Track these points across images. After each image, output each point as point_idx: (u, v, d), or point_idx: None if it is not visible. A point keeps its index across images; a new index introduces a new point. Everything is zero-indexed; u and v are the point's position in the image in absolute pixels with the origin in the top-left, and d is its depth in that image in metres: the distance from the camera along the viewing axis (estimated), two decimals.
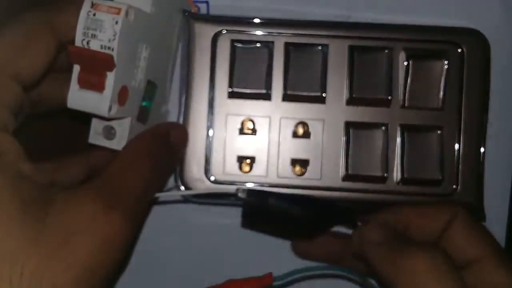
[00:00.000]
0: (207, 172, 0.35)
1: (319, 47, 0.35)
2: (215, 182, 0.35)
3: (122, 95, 0.29)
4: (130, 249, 0.28)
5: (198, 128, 0.35)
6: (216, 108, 0.35)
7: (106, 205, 0.26)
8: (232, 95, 0.35)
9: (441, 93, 0.35)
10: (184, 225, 0.38)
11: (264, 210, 0.31)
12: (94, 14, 0.27)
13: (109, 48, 0.28)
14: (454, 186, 0.35)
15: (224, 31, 0.35)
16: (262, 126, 0.35)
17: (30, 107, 0.30)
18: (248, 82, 0.35)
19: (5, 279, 0.23)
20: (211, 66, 0.35)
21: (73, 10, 0.28)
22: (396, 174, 0.35)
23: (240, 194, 0.31)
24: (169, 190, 0.35)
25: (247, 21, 0.35)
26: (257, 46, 0.36)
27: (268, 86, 0.35)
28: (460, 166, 0.35)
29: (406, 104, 0.35)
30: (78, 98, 0.28)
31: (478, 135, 0.35)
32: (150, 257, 0.38)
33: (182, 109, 0.35)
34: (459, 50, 0.35)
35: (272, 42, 0.35)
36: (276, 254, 0.36)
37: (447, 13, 0.37)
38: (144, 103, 0.33)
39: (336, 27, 0.35)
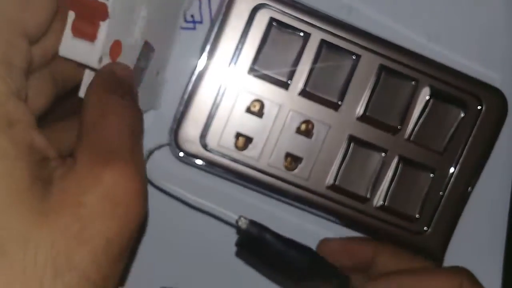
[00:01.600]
0: (202, 137, 0.35)
1: (352, 56, 0.35)
2: (208, 150, 0.35)
3: (114, 49, 0.28)
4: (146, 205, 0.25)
5: (208, 92, 0.35)
6: (232, 79, 0.35)
7: (105, 165, 0.23)
8: (252, 71, 0.35)
9: (447, 140, 0.36)
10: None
11: (260, 244, 0.30)
12: None
13: None
14: (425, 228, 0.36)
15: (267, 6, 0.34)
16: (270, 111, 0.35)
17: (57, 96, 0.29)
18: (272, 65, 0.35)
19: (19, 260, 0.21)
20: (241, 36, 0.34)
21: None
22: (378, 199, 0.36)
23: (240, 224, 0.30)
24: (162, 146, 0.35)
25: (292, 4, 0.34)
26: (293, 32, 0.35)
27: (290, 76, 0.35)
28: (438, 212, 0.36)
29: (411, 138, 0.36)
30: (70, 46, 0.27)
31: (464, 192, 0.36)
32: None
33: (200, 67, 0.34)
34: (479, 107, 0.35)
35: (309, 34, 0.35)
36: None
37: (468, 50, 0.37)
38: (139, 64, 0.32)
39: (375, 41, 0.35)
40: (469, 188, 0.36)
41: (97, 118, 0.26)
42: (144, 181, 0.25)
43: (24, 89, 0.25)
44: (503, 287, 0.37)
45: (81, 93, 0.30)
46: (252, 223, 0.30)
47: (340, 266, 0.32)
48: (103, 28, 0.27)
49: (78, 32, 0.27)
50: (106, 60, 0.28)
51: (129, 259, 0.25)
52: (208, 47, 0.34)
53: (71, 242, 0.22)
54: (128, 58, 0.30)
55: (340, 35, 0.35)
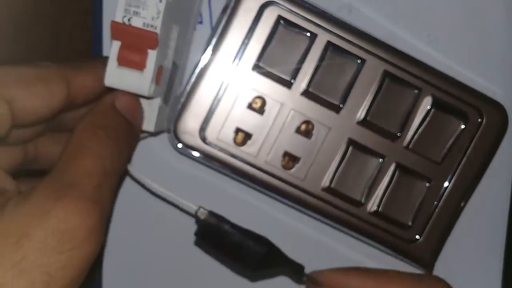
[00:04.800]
0: (202, 130, 0.35)
1: (357, 59, 0.35)
2: (206, 143, 0.35)
3: (158, 75, 0.29)
4: (104, 235, 0.25)
5: (211, 85, 0.34)
6: (236, 74, 0.35)
7: (59, 198, 0.23)
8: (256, 68, 0.35)
9: (445, 150, 0.36)
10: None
11: (218, 234, 0.31)
12: None
13: (152, 26, 0.27)
14: (417, 236, 0.36)
15: (275, 4, 0.34)
16: (271, 109, 0.35)
17: (24, 164, 0.29)
18: (277, 64, 0.35)
19: None
20: (248, 31, 0.34)
21: (92, 73, 0.28)
22: (372, 205, 0.36)
23: (199, 214, 0.31)
24: (160, 132, 0.35)
25: (301, 3, 0.34)
26: (299, 32, 0.35)
27: (294, 75, 0.35)
28: (431, 221, 0.36)
29: (410, 146, 0.36)
30: (117, 76, 0.27)
31: (457, 206, 0.36)
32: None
33: (204, 60, 0.34)
34: (479, 120, 0.36)
35: (316, 35, 0.34)
36: None
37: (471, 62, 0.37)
38: (170, 84, 0.32)
39: (381, 46, 0.35)
40: (462, 203, 0.36)
41: (72, 153, 0.25)
42: (103, 218, 0.24)
43: None
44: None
45: None
46: (211, 214, 0.30)
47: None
48: (152, 56, 0.27)
49: (125, 62, 0.27)
50: (153, 87, 0.28)
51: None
52: (214, 41, 0.34)
53: (8, 272, 0.22)
54: (165, 81, 0.31)
55: (347, 38, 0.34)
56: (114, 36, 0.27)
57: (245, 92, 0.35)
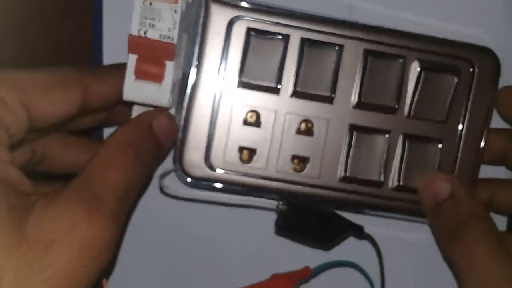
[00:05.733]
0: (207, 159, 0.35)
1: (335, 47, 0.35)
2: (214, 170, 0.35)
3: (174, 85, 0.29)
4: (115, 249, 0.26)
5: (203, 113, 0.35)
6: (223, 95, 0.35)
7: (87, 209, 0.24)
8: (241, 84, 0.35)
9: (447, 107, 0.36)
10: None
11: (297, 220, 0.35)
12: (151, 3, 0.27)
13: (168, 37, 0.27)
14: None
15: (241, 17, 0.34)
16: (267, 119, 0.35)
17: (31, 163, 0.30)
18: (259, 74, 0.35)
19: None
20: (223, 51, 0.34)
21: (110, 82, 0.28)
22: (393, 181, 0.36)
23: (281, 208, 0.35)
24: (169, 172, 0.35)
25: (265, 10, 0.34)
26: (272, 38, 0.35)
27: (278, 80, 0.35)
28: None
29: (411, 114, 0.36)
30: (135, 89, 0.28)
31: (476, 153, 0.36)
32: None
33: (188, 91, 0.35)
34: (471, 69, 0.35)
35: (288, 35, 0.35)
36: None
37: (457, 17, 0.37)
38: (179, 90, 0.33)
39: (354, 28, 0.35)
40: (481, 144, 0.36)
41: (101, 163, 0.27)
42: (119, 233, 0.26)
43: (6, 142, 0.26)
44: None
45: None
46: (290, 204, 0.35)
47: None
48: (170, 67, 0.28)
49: (143, 75, 0.27)
50: (171, 98, 0.28)
51: None
52: (193, 69, 0.34)
53: (35, 277, 0.23)
54: (177, 89, 0.31)
55: (319, 29, 0.35)
56: (131, 50, 0.27)
57: (237, 110, 0.35)
